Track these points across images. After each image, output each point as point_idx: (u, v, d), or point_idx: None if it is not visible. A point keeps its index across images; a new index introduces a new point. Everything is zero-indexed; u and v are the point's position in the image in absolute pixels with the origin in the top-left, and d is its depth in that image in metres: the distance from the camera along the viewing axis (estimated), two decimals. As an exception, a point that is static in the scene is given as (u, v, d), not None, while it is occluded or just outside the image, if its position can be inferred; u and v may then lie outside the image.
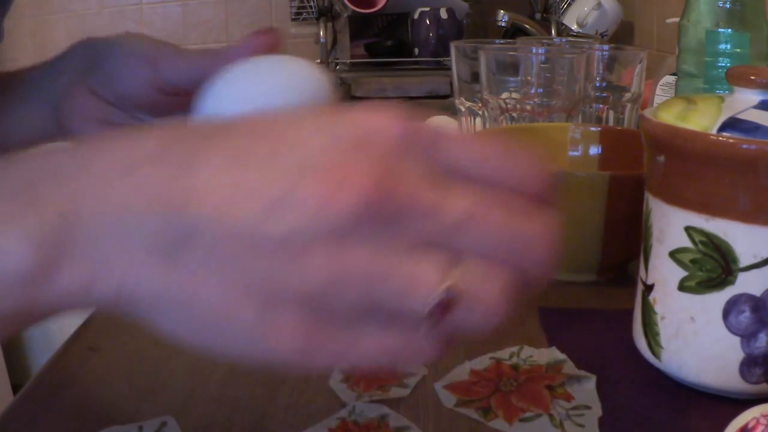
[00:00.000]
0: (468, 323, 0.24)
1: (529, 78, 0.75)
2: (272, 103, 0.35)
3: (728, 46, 0.55)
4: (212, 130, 0.26)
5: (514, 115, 0.75)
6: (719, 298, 0.37)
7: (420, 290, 0.23)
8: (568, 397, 0.37)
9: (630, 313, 0.44)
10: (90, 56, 0.47)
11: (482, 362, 0.36)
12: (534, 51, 0.78)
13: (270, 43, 0.41)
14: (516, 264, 0.25)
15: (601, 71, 0.81)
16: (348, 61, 1.67)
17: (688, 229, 0.37)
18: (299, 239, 0.22)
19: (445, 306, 0.23)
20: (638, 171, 0.44)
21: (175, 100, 0.44)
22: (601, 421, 0.38)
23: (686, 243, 0.37)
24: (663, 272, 0.39)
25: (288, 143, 0.24)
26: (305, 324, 0.23)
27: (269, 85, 0.36)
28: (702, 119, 0.37)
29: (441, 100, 1.44)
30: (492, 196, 0.24)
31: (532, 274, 0.25)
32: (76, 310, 0.26)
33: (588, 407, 0.37)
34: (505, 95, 0.76)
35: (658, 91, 0.84)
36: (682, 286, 0.38)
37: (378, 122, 0.24)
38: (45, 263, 0.24)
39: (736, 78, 0.38)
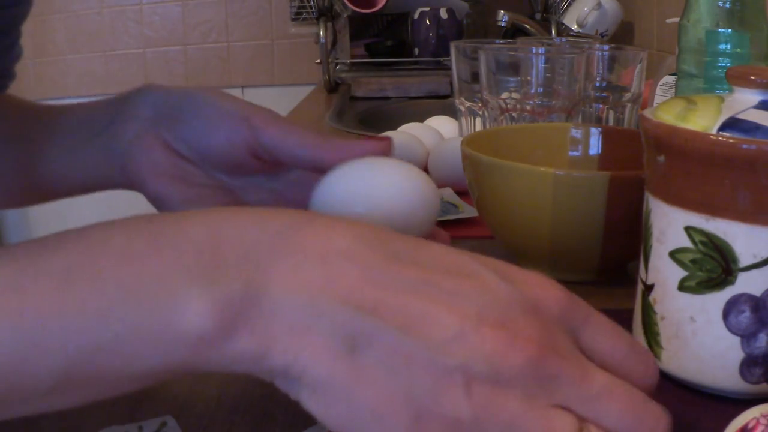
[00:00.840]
0: None
1: (529, 78, 0.75)
2: (387, 206, 0.37)
3: (728, 46, 0.55)
4: (404, 245, 0.28)
5: (514, 115, 0.75)
6: (719, 298, 0.37)
7: None
8: None
9: (630, 313, 0.44)
10: (165, 107, 0.44)
11: None
12: (534, 51, 0.78)
13: (382, 150, 0.40)
14: None
15: (601, 71, 0.81)
16: (348, 61, 1.67)
17: (688, 229, 0.37)
18: (466, 373, 0.26)
19: None
20: (638, 171, 0.44)
21: (263, 166, 0.42)
22: (601, 421, 0.38)
23: (686, 243, 0.37)
24: (663, 272, 0.39)
25: (471, 286, 0.27)
26: None
27: (386, 188, 0.38)
28: (702, 119, 0.37)
29: (441, 100, 1.44)
30: (620, 380, 0.28)
31: None
32: (239, 371, 0.27)
33: None
34: (505, 95, 0.76)
35: (658, 91, 0.84)
36: (682, 286, 0.38)
37: (548, 292, 0.29)
38: (224, 328, 0.25)
39: (736, 78, 0.38)
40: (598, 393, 0.27)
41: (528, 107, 0.74)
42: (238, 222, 0.27)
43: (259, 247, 0.26)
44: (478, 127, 0.84)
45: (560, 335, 0.28)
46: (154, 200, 0.44)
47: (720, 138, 0.35)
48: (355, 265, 0.26)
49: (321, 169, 0.39)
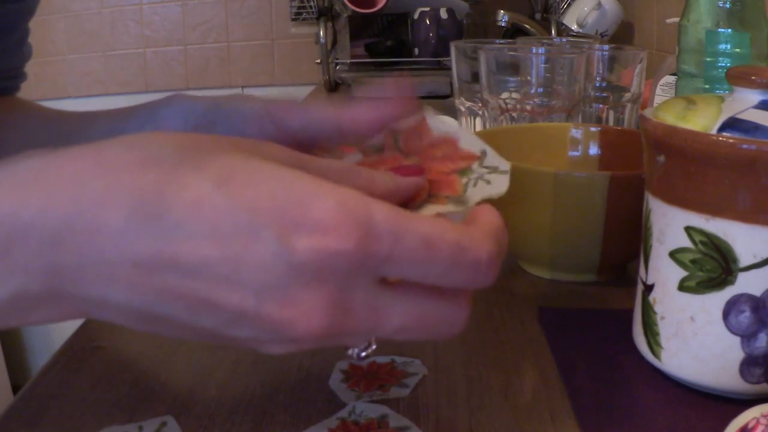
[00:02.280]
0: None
1: (529, 78, 0.75)
2: None
3: (728, 46, 0.55)
4: (182, 211, 0.26)
5: (514, 115, 0.75)
6: (719, 298, 0.37)
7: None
8: None
9: (630, 313, 0.44)
10: (192, 119, 0.44)
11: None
12: (534, 51, 0.78)
13: (406, 111, 0.38)
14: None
15: (601, 71, 0.81)
16: (348, 61, 1.67)
17: (688, 229, 0.37)
18: (251, 340, 0.27)
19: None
20: (638, 171, 0.45)
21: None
22: (602, 422, 0.38)
23: (686, 243, 0.37)
24: (663, 272, 0.39)
25: (248, 265, 0.25)
26: None
27: None
28: (702, 119, 0.37)
29: (441, 100, 1.44)
30: (424, 306, 0.29)
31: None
32: None
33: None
34: (505, 95, 0.76)
35: (658, 91, 0.84)
36: (682, 286, 0.38)
37: (338, 243, 0.25)
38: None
39: (736, 78, 0.38)
40: (394, 333, 0.28)
41: (528, 107, 0.74)
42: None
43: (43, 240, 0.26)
44: (478, 127, 0.84)
45: (350, 290, 0.27)
46: None
47: (720, 138, 0.35)
48: (128, 259, 0.25)
49: (348, 136, 0.39)
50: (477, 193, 0.36)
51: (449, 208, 0.35)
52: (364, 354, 0.32)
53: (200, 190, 0.25)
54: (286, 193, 0.26)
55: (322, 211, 0.25)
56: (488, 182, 0.36)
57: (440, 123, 0.39)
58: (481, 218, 0.30)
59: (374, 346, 0.32)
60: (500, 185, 0.36)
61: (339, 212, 0.25)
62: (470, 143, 0.38)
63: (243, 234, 0.25)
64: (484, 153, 0.37)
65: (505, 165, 0.37)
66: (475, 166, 0.37)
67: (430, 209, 0.34)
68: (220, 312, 0.26)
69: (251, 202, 0.25)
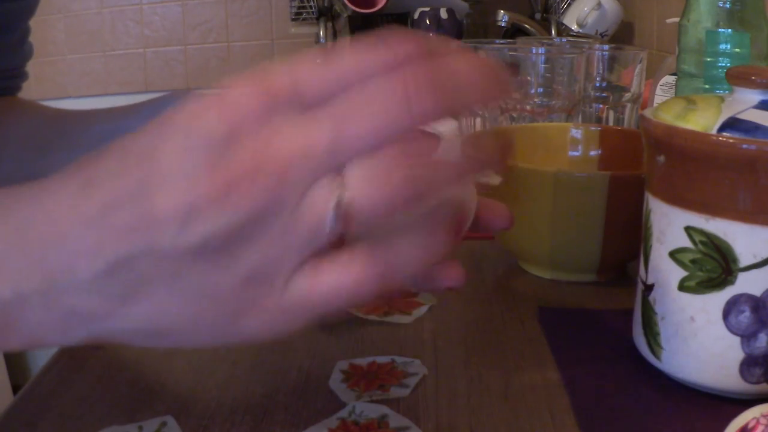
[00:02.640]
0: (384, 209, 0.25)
1: (529, 78, 0.75)
2: None
3: (728, 46, 0.55)
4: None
5: (514, 115, 0.75)
6: (719, 298, 0.37)
7: (318, 221, 0.25)
8: None
9: (630, 313, 0.44)
10: None
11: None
12: (534, 51, 0.78)
13: None
14: (408, 150, 0.25)
15: (601, 71, 0.81)
16: (348, 61, 1.67)
17: (688, 229, 0.37)
18: (216, 241, 0.25)
19: (346, 217, 0.25)
20: (638, 171, 0.45)
21: None
22: (602, 422, 0.38)
23: (686, 243, 0.37)
24: (663, 272, 0.39)
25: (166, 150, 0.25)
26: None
27: None
28: (702, 119, 0.37)
29: (441, 100, 1.43)
30: (355, 99, 0.25)
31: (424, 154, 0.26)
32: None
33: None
34: (505, 95, 0.76)
35: (658, 91, 0.84)
36: (682, 286, 0.38)
37: (236, 107, 0.25)
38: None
39: (736, 78, 0.38)
40: (331, 142, 0.24)
41: (528, 107, 0.74)
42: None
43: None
44: (478, 127, 0.84)
45: (270, 133, 0.25)
46: None
47: (720, 138, 0.35)
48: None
49: None
50: None
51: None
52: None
53: (125, 142, 0.26)
54: (191, 104, 0.26)
55: (222, 94, 0.25)
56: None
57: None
58: None
59: None
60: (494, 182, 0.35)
61: (235, 86, 0.25)
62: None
63: (157, 147, 0.25)
64: None
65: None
66: None
67: None
68: (166, 220, 0.25)
69: (160, 123, 0.26)
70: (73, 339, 0.27)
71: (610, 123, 0.81)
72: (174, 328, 0.27)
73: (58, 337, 0.27)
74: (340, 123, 0.25)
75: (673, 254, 0.38)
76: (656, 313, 0.40)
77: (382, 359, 0.43)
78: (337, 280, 0.26)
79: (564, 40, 1.13)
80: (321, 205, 0.25)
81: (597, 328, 0.48)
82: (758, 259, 0.36)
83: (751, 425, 0.30)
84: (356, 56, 0.25)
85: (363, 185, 0.25)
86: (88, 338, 0.27)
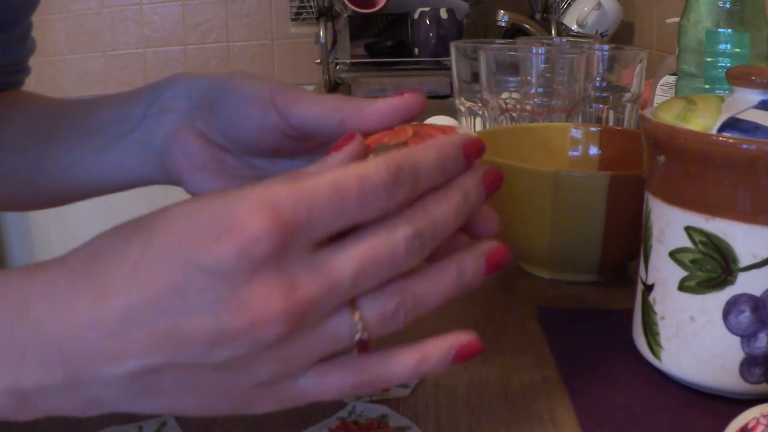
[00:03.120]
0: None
1: (529, 78, 0.75)
2: None
3: (728, 46, 0.55)
4: (120, 267, 0.28)
5: (514, 115, 0.75)
6: (719, 298, 0.37)
7: (335, 347, 0.29)
8: None
9: (630, 313, 0.44)
10: (197, 97, 0.43)
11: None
12: (534, 51, 0.78)
13: (411, 109, 0.37)
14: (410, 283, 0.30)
15: (601, 71, 0.81)
16: (348, 61, 1.67)
17: (688, 229, 0.37)
18: (238, 360, 0.27)
19: (365, 345, 0.29)
20: (638, 171, 0.44)
21: (300, 144, 0.42)
22: (602, 422, 0.38)
23: (686, 243, 0.37)
24: (663, 272, 0.39)
25: (189, 287, 0.27)
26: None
27: None
28: (702, 119, 0.37)
29: (441, 100, 1.44)
30: (366, 239, 0.28)
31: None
32: None
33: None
34: (505, 95, 0.76)
35: (658, 91, 0.84)
36: (682, 286, 0.38)
37: (251, 233, 0.26)
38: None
39: (736, 78, 0.38)
40: (352, 281, 0.28)
41: (528, 107, 0.75)
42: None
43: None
44: (478, 127, 0.84)
45: (289, 266, 0.27)
46: (195, 195, 0.43)
47: (720, 138, 0.35)
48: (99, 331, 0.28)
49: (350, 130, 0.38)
50: None
51: None
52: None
53: (133, 254, 0.27)
54: (198, 218, 0.27)
55: (232, 215, 0.27)
56: None
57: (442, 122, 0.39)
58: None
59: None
60: None
61: (245, 208, 0.27)
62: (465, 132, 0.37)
63: (174, 268, 0.27)
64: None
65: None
66: None
67: None
68: (191, 342, 0.27)
69: (170, 241, 0.27)
70: (90, 414, 0.29)
71: (610, 123, 0.82)
72: (188, 412, 0.30)
73: (76, 413, 0.29)
74: (363, 271, 0.28)
75: (673, 254, 0.38)
76: (656, 313, 0.40)
77: (382, 359, 0.43)
78: (342, 383, 0.30)
79: (564, 40, 1.14)
80: (342, 338, 0.29)
81: (597, 328, 0.48)
82: (758, 259, 0.36)
83: (751, 425, 0.30)
84: (360, 193, 0.28)
85: (378, 326, 0.29)
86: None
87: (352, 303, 0.29)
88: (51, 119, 0.50)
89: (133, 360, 0.27)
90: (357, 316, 0.29)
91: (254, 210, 0.26)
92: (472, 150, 0.32)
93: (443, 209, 0.30)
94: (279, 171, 0.42)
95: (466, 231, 0.36)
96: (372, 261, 0.28)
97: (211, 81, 0.43)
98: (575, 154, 0.63)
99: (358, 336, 0.29)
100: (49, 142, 0.49)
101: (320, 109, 0.39)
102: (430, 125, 0.36)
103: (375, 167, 0.28)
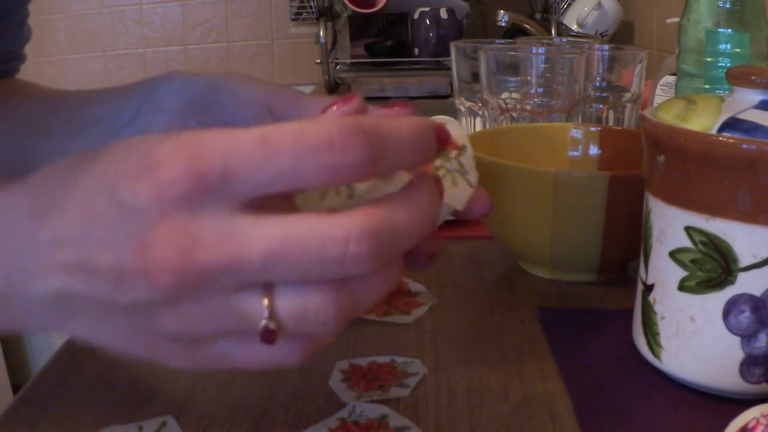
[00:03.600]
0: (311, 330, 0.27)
1: (529, 78, 0.75)
2: None
3: (728, 46, 0.55)
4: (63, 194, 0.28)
5: (514, 115, 0.75)
6: (719, 298, 0.37)
7: (243, 327, 0.27)
8: None
9: (630, 313, 0.44)
10: (190, 97, 0.43)
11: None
12: (534, 51, 0.78)
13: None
14: (337, 276, 0.26)
15: (601, 71, 0.81)
16: (348, 61, 1.67)
17: (688, 229, 0.37)
18: (142, 306, 0.27)
19: (269, 336, 0.27)
20: (638, 171, 0.44)
21: None
22: (602, 422, 0.38)
23: (686, 243, 0.37)
24: (663, 272, 0.39)
25: (101, 219, 0.26)
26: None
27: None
28: (702, 119, 0.37)
29: (441, 100, 1.44)
30: (293, 224, 0.25)
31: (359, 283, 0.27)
32: None
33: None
34: (505, 95, 0.76)
35: (658, 91, 0.84)
36: (682, 286, 0.38)
37: (165, 175, 0.25)
38: None
39: (736, 78, 0.38)
40: (261, 264, 0.25)
41: (528, 107, 0.74)
42: None
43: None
44: (478, 127, 0.84)
45: (198, 220, 0.25)
46: None
47: (720, 138, 0.35)
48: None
49: None
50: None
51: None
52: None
53: (70, 179, 0.28)
54: (132, 153, 0.27)
55: (155, 154, 0.26)
56: (454, 182, 0.36)
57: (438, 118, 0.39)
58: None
59: None
60: (459, 197, 0.36)
61: (167, 149, 0.26)
62: (456, 131, 0.38)
63: (98, 198, 0.27)
64: (464, 147, 0.37)
65: (474, 178, 0.37)
66: (453, 154, 0.37)
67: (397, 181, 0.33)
68: (99, 277, 0.26)
69: (101, 171, 0.27)
70: (26, 329, 0.31)
71: (610, 123, 0.81)
72: (110, 345, 0.29)
73: (14, 327, 0.30)
74: (273, 256, 0.25)
75: (673, 254, 0.38)
76: (656, 313, 0.40)
77: (382, 359, 0.43)
78: (261, 359, 0.28)
79: (564, 40, 1.13)
80: (248, 320, 0.27)
81: (597, 328, 0.48)
82: (758, 259, 0.36)
83: (751, 425, 0.30)
84: (294, 150, 0.25)
85: (294, 321, 0.26)
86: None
87: (267, 286, 0.26)
88: (46, 112, 0.50)
89: (54, 281, 0.27)
90: (266, 302, 0.26)
91: (173, 152, 0.25)
92: (444, 136, 0.29)
93: (413, 216, 0.27)
94: None
95: (460, 213, 0.36)
96: (292, 249, 0.25)
97: (205, 81, 0.43)
98: (575, 154, 0.63)
99: (263, 324, 0.26)
100: (44, 135, 0.49)
101: (304, 109, 0.39)
102: None
103: (323, 125, 0.25)
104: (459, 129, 0.38)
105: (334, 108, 0.33)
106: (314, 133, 0.25)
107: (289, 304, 0.26)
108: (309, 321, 0.26)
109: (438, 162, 0.37)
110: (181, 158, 0.25)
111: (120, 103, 0.46)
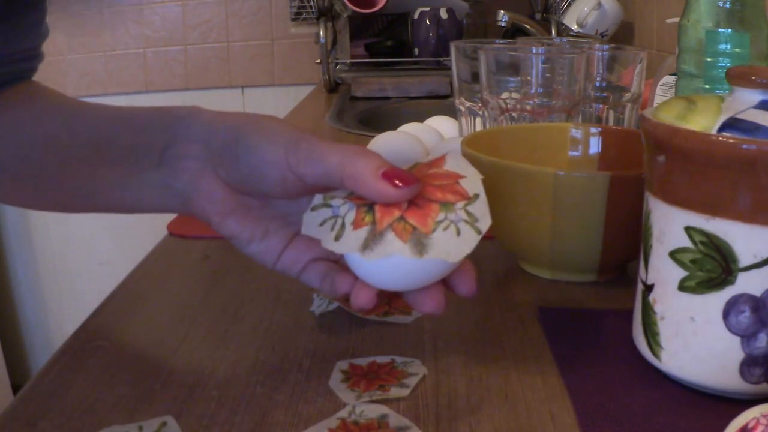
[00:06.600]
0: None
1: (529, 78, 0.75)
2: None
3: (728, 46, 0.55)
4: None
5: (514, 115, 0.75)
6: (719, 298, 0.37)
7: None
8: None
9: (630, 313, 0.44)
10: (214, 143, 0.43)
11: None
12: (534, 51, 0.77)
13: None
14: None
15: (601, 71, 0.81)
16: (348, 61, 1.67)
17: (688, 229, 0.37)
18: None
19: None
20: (638, 171, 0.44)
21: (307, 189, 0.42)
22: (602, 422, 0.38)
23: (686, 243, 0.37)
24: (663, 272, 0.39)
25: None
26: None
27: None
28: (702, 119, 0.37)
29: (441, 100, 1.44)
30: None
31: None
32: None
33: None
34: (505, 95, 0.76)
35: (658, 91, 0.84)
36: (682, 286, 0.38)
37: None
38: None
39: (736, 78, 0.38)
40: None
41: (528, 107, 0.74)
42: None
43: None
44: (478, 127, 0.84)
45: None
46: (225, 236, 0.44)
47: (720, 138, 0.35)
48: None
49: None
50: (438, 245, 0.36)
51: (406, 252, 0.36)
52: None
53: None
54: None
55: None
56: (458, 233, 0.37)
57: (458, 162, 0.40)
58: None
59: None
60: (463, 246, 0.37)
61: None
62: (470, 183, 0.38)
63: None
64: (476, 196, 0.38)
65: (485, 224, 0.37)
66: (459, 205, 0.37)
67: (391, 244, 0.37)
68: None
69: None
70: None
71: (610, 123, 0.81)
72: None
73: None
74: None
75: (673, 254, 0.38)
76: (656, 313, 0.40)
77: (382, 359, 0.43)
78: None
79: (564, 40, 1.13)
80: None
81: (597, 328, 0.48)
82: (758, 259, 0.36)
83: (751, 425, 0.30)
84: None
85: None
86: None
87: None
88: (68, 134, 0.50)
89: None
90: None
91: None
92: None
93: None
94: (302, 210, 0.43)
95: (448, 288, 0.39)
96: None
97: (228, 127, 0.43)
98: (575, 154, 0.63)
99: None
100: (68, 159, 0.49)
101: (324, 168, 0.40)
102: (439, 173, 0.38)
103: None
104: (475, 177, 0.38)
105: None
106: None
107: None
108: None
109: (441, 215, 0.37)
110: None
111: (144, 136, 0.46)
